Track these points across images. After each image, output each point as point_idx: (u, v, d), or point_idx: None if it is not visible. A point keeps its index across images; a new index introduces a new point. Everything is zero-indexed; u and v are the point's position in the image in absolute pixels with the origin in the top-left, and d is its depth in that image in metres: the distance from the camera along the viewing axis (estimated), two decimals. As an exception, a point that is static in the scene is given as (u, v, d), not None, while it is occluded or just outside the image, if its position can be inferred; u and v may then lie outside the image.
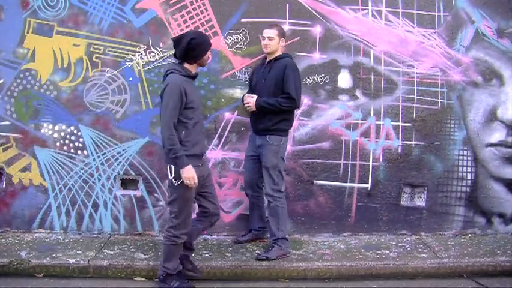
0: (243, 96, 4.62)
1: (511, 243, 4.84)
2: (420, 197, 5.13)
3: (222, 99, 4.92)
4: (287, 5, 4.88)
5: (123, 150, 4.91)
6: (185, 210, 3.83)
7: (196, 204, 4.07)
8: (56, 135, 4.88)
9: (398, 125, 5.03)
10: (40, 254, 4.35)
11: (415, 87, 5.02)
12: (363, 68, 4.98)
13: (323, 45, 4.93)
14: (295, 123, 4.89)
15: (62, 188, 4.91)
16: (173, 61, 3.96)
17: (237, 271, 4.21)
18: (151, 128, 4.90)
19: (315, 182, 5.01)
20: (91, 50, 4.83)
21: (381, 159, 5.04)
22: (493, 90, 5.06)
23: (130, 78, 4.87)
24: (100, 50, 4.84)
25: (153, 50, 4.85)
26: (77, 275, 4.19)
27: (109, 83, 4.87)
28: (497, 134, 5.08)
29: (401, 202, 5.10)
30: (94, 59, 4.84)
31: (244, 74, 4.88)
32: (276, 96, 4.39)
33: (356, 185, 5.04)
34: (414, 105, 5.03)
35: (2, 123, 4.86)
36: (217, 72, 4.88)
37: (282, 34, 4.51)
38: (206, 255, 4.39)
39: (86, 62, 4.85)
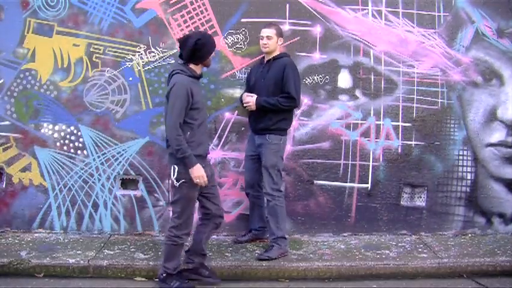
0: (242, 96, 4.63)
1: (511, 243, 4.84)
2: (420, 197, 5.13)
3: (222, 99, 4.92)
4: (287, 5, 4.88)
5: (123, 150, 4.91)
6: (188, 211, 3.84)
7: (197, 208, 4.06)
8: (56, 135, 4.88)
9: (398, 125, 5.03)
10: (40, 254, 4.35)
11: (415, 87, 5.02)
12: (363, 68, 4.98)
13: (323, 45, 4.93)
14: (295, 123, 4.90)
15: (62, 188, 4.91)
16: (178, 62, 3.96)
17: (237, 271, 4.21)
18: (151, 128, 4.90)
19: (315, 182, 5.01)
20: (91, 50, 4.84)
21: (381, 159, 5.05)
22: (493, 90, 5.06)
23: (130, 78, 4.87)
24: (100, 50, 4.84)
25: (153, 50, 4.85)
26: (77, 275, 4.20)
27: (109, 83, 4.87)
28: (497, 134, 5.08)
29: (401, 202, 5.10)
30: (94, 59, 4.84)
31: (244, 74, 4.88)
32: (276, 96, 4.39)
33: (356, 185, 5.04)
34: (414, 105, 5.03)
35: (2, 123, 4.86)
36: (217, 72, 4.88)
37: (280, 33, 4.52)
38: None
39: (86, 62, 4.85)
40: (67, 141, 4.89)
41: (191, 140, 3.75)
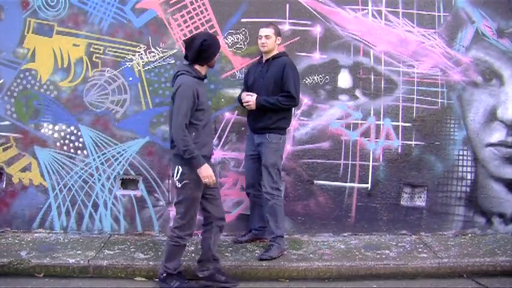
0: (240, 95, 4.63)
1: (511, 243, 4.84)
2: (420, 197, 5.13)
3: (222, 99, 4.92)
4: (287, 5, 4.88)
5: (123, 150, 4.91)
6: (191, 211, 3.84)
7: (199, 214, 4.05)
8: (56, 135, 4.88)
9: (398, 125, 5.03)
10: (40, 254, 4.35)
11: (415, 87, 5.02)
12: (363, 68, 4.98)
13: (323, 45, 4.93)
14: (295, 123, 4.90)
15: (62, 188, 4.91)
16: (183, 62, 3.96)
17: (237, 271, 4.21)
18: (151, 128, 4.90)
19: (315, 182, 5.01)
20: (91, 50, 4.84)
21: (381, 159, 5.05)
22: (493, 90, 5.06)
23: (130, 78, 4.87)
24: (100, 50, 4.84)
25: (153, 50, 4.85)
26: (77, 275, 4.20)
27: (109, 83, 4.87)
28: (497, 134, 5.08)
29: (401, 202, 5.10)
30: (94, 59, 4.84)
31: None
32: (275, 95, 4.40)
33: (356, 185, 5.04)
34: (414, 105, 5.03)
35: (2, 123, 4.86)
36: (217, 72, 4.88)
37: (278, 33, 4.53)
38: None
39: (86, 62, 4.85)
40: (66, 141, 4.89)
41: (196, 141, 3.74)
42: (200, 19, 4.86)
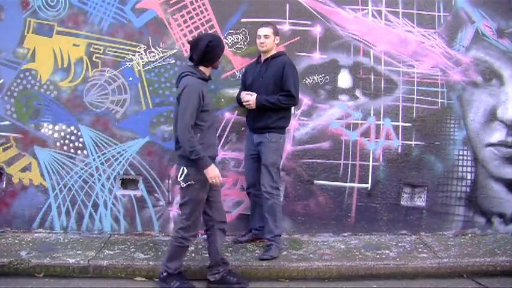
0: (238, 95, 4.62)
1: (511, 243, 4.84)
2: (420, 197, 5.13)
3: (222, 99, 4.92)
4: (287, 5, 4.88)
5: (123, 150, 4.91)
6: (196, 212, 3.84)
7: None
8: (56, 135, 4.88)
9: (398, 125, 5.03)
10: (40, 254, 4.36)
11: (415, 87, 5.02)
12: (363, 68, 4.98)
13: (323, 45, 4.93)
14: (295, 123, 4.90)
15: (62, 188, 4.91)
16: (188, 64, 3.96)
17: (237, 271, 4.20)
18: (151, 128, 4.90)
19: (315, 182, 5.01)
20: (91, 50, 4.84)
21: (381, 159, 5.05)
22: (493, 90, 5.06)
23: (130, 78, 4.87)
24: (100, 50, 4.84)
25: (153, 50, 4.85)
26: (77, 275, 4.20)
27: (109, 83, 4.87)
28: (497, 134, 5.08)
29: (401, 202, 5.10)
30: (94, 59, 4.84)
31: (244, 74, 4.88)
32: (275, 94, 4.40)
33: (356, 185, 5.04)
34: (414, 105, 5.03)
35: (2, 123, 4.86)
36: (217, 72, 4.87)
37: (276, 32, 4.53)
38: (206, 255, 4.38)
39: (86, 62, 4.85)
40: (66, 141, 4.89)
41: (201, 142, 3.73)
42: (200, 19, 4.86)
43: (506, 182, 5.11)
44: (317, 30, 4.91)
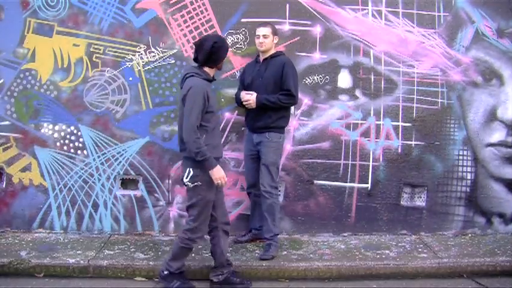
0: (237, 95, 4.62)
1: (511, 243, 4.84)
2: (420, 197, 5.13)
3: (222, 99, 4.92)
4: (287, 5, 4.88)
5: (123, 150, 4.91)
6: (205, 214, 3.83)
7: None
8: (56, 135, 4.88)
9: (398, 125, 5.03)
10: (40, 254, 4.36)
11: (415, 87, 5.02)
12: (363, 68, 4.98)
13: (323, 45, 4.93)
14: (295, 123, 4.91)
15: (62, 188, 4.91)
16: (193, 64, 3.95)
17: (237, 271, 4.21)
18: (151, 128, 4.90)
19: (315, 182, 5.01)
20: (91, 50, 4.84)
21: (381, 159, 5.04)
22: (493, 90, 5.06)
23: (130, 78, 4.87)
24: (100, 50, 4.84)
25: (153, 50, 4.85)
26: (77, 275, 4.20)
27: (109, 83, 4.87)
28: (497, 134, 5.08)
29: (401, 202, 5.10)
30: (94, 59, 4.84)
31: (243, 74, 4.88)
32: (274, 94, 4.41)
33: (356, 185, 5.04)
34: (414, 105, 5.03)
35: (2, 123, 4.86)
36: (217, 72, 4.84)
37: (275, 32, 4.54)
38: (206, 255, 4.39)
39: (86, 62, 4.85)
40: (66, 141, 4.89)
41: (207, 143, 3.72)
42: (200, 19, 4.86)
43: (506, 182, 5.10)
44: (317, 30, 4.91)
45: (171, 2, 4.84)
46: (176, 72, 4.86)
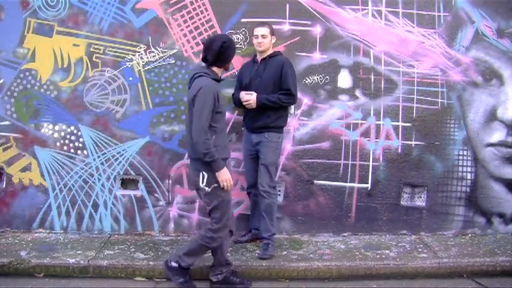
0: (235, 95, 4.61)
1: (511, 243, 4.84)
2: (420, 197, 5.13)
3: (222, 99, 4.92)
4: (287, 5, 4.88)
5: (123, 150, 4.91)
6: (227, 213, 3.83)
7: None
8: (56, 135, 4.88)
9: (398, 125, 5.03)
10: (40, 254, 4.36)
11: (415, 87, 5.02)
12: (363, 68, 4.98)
13: (323, 45, 4.93)
14: (295, 123, 4.90)
15: (62, 188, 4.91)
16: (201, 65, 3.95)
17: (237, 271, 4.21)
18: (151, 128, 4.90)
19: (315, 182, 5.01)
20: (91, 50, 4.84)
21: (381, 159, 5.04)
22: (493, 90, 5.06)
23: (130, 78, 4.87)
24: (100, 50, 4.84)
25: (153, 50, 4.85)
26: (77, 275, 4.20)
27: (109, 83, 4.87)
28: (497, 134, 5.08)
29: (401, 202, 5.10)
30: (94, 59, 4.84)
31: (244, 74, 4.88)
32: (273, 93, 4.41)
33: (356, 185, 5.04)
34: (414, 105, 5.03)
35: (2, 123, 4.86)
36: (217, 72, 4.88)
37: (272, 32, 4.55)
38: (206, 254, 4.38)
39: (86, 62, 4.85)
40: (67, 141, 4.89)
41: (216, 144, 3.71)
42: (200, 19, 4.86)
43: (506, 182, 5.11)
44: (317, 30, 4.91)
45: (171, 2, 4.84)
46: (176, 72, 4.86)
